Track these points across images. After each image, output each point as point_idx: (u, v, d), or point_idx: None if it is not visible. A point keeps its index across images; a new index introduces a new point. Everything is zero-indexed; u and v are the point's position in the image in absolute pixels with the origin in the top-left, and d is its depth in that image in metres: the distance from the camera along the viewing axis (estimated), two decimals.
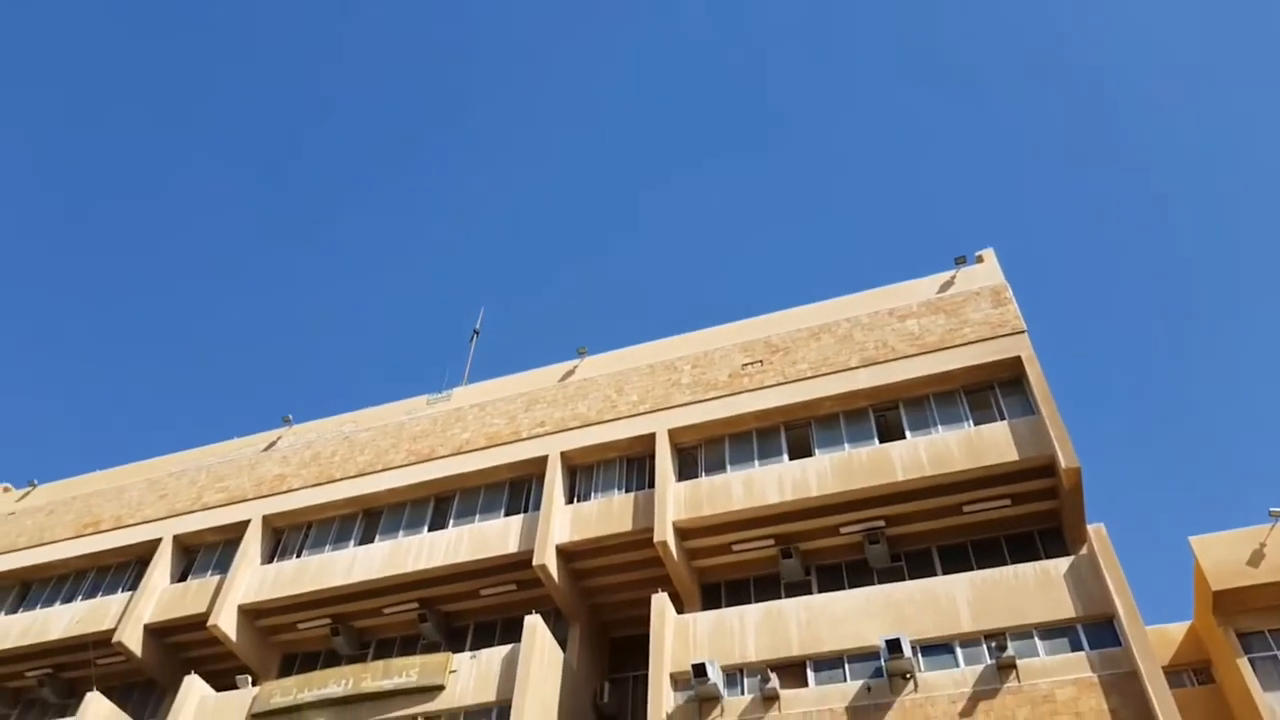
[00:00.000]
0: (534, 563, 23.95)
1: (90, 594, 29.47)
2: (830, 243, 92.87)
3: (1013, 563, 19.25)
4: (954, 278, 26.03)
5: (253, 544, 27.86)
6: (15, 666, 29.20)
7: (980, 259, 26.29)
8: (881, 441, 23.21)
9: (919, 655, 17.68)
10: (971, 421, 22.54)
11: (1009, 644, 17.08)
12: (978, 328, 24.00)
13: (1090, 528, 18.24)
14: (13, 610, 30.45)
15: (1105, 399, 77.05)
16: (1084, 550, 18.43)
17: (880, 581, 21.50)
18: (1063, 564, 18.28)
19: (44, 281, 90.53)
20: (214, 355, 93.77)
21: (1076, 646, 17.00)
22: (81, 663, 28.38)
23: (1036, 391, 21.76)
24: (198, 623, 26.61)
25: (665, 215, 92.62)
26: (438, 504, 27.34)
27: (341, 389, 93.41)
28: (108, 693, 25.57)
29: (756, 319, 27.79)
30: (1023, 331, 23.33)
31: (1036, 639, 17.34)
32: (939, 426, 22.75)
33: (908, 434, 22.96)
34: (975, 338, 23.73)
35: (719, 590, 24.60)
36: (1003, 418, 22.19)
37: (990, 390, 23.04)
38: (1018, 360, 22.76)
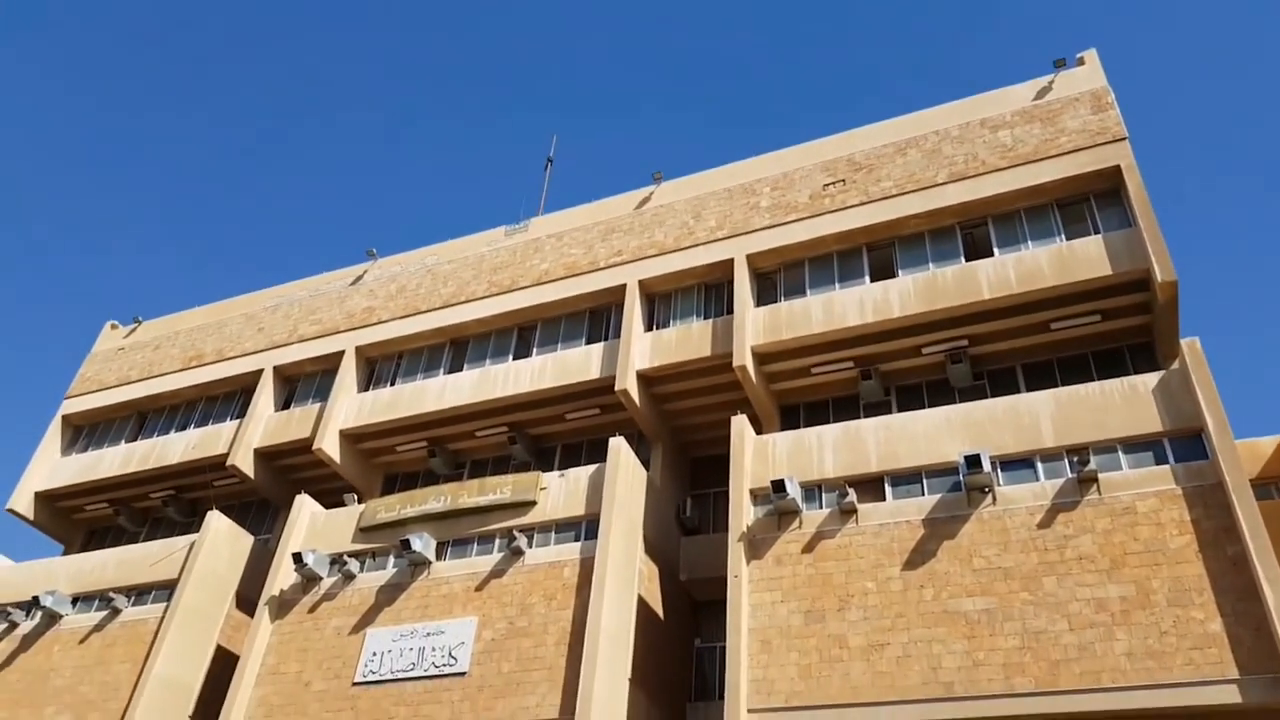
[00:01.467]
0: (616, 388, 24.89)
1: (202, 422, 31.92)
2: (921, 52, 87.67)
3: (1100, 379, 19.22)
4: (1052, 83, 24.64)
5: (348, 373, 29.53)
6: (142, 489, 32.22)
7: (1081, 61, 24.72)
8: (968, 260, 22.89)
9: (998, 470, 18.13)
10: (1064, 236, 21.97)
11: (1091, 458, 17.34)
12: (1075, 136, 22.93)
13: (1184, 342, 17.97)
14: (132, 438, 33.28)
15: (1202, 210, 73.29)
16: (1175, 365, 18.26)
17: (961, 401, 21.78)
18: (1152, 379, 18.19)
19: (146, 128, 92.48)
20: (295, 190, 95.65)
21: (1161, 460, 17.17)
22: (200, 485, 31.14)
23: (1135, 203, 20.97)
24: (303, 447, 28.74)
25: (745, 32, 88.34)
26: (521, 333, 28.31)
27: (421, 221, 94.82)
28: (226, 511, 28.14)
29: (839, 136, 27.00)
30: (1124, 139, 22.21)
31: (1120, 453, 17.55)
32: (1029, 242, 22.25)
33: (996, 251, 22.56)
34: (1072, 147, 22.72)
35: (797, 412, 25.29)
36: (1097, 231, 21.56)
37: (1085, 203, 22.28)
38: (1116, 170, 21.82)
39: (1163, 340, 20.61)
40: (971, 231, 23.46)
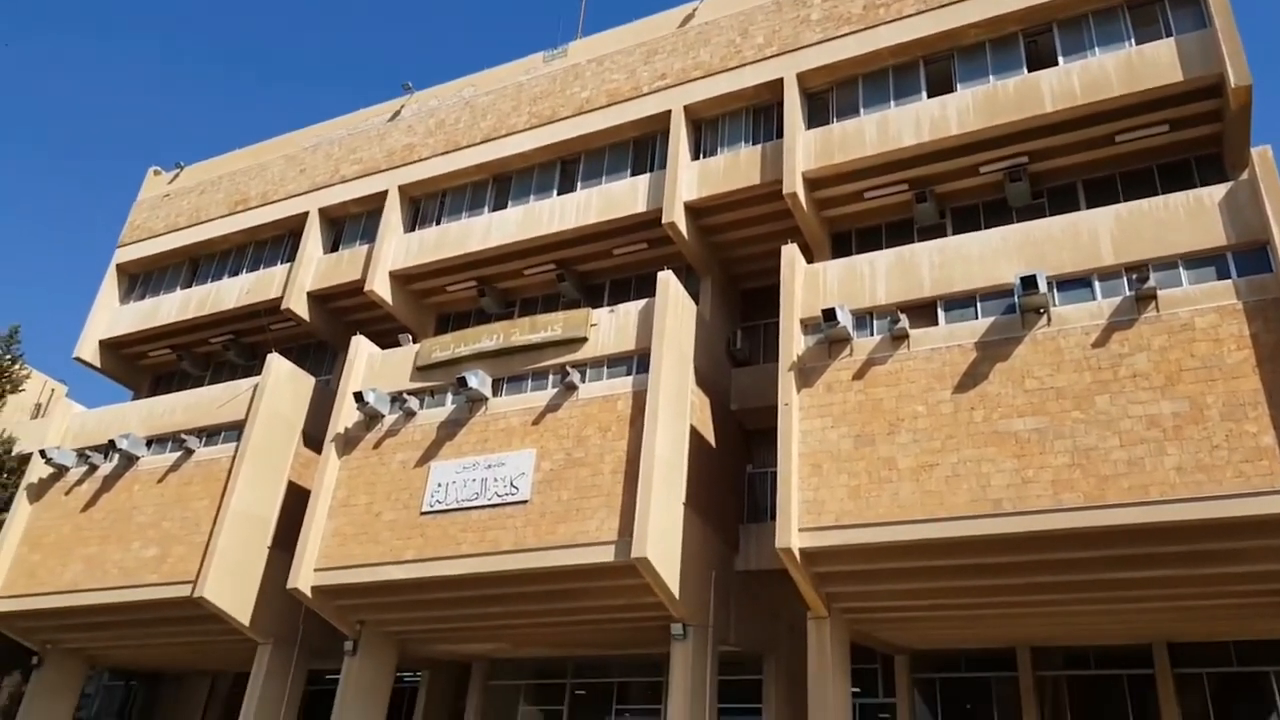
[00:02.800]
0: (663, 221, 25.04)
1: (253, 266, 32.94)
2: None
3: (1164, 194, 18.88)
4: None
5: (393, 213, 30.01)
6: (201, 334, 33.75)
7: None
8: (1031, 70, 22.13)
9: (1054, 290, 18.22)
10: (1133, 40, 21.04)
11: (1151, 275, 17.32)
12: None
13: (1254, 151, 17.45)
14: (187, 285, 34.55)
15: (1273, 12, 68.26)
16: (1244, 175, 17.85)
17: (1019, 220, 21.60)
18: (1219, 191, 17.84)
19: None
20: (327, 23, 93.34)
21: (1223, 274, 17.08)
22: (258, 329, 32.49)
23: (1213, 1, 19.91)
24: (355, 289, 29.66)
25: None
26: (564, 167, 28.31)
27: (457, 50, 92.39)
28: (285, 354, 29.43)
29: None
30: None
31: (1181, 269, 17.48)
32: (1095, 49, 21.38)
33: (1060, 60, 21.74)
34: None
35: (849, 239, 25.32)
36: (1169, 34, 20.60)
37: (1157, 3, 21.18)
38: None
39: (1232, 150, 20.04)
40: (1035, 40, 22.54)
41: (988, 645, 22.17)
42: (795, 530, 18.44)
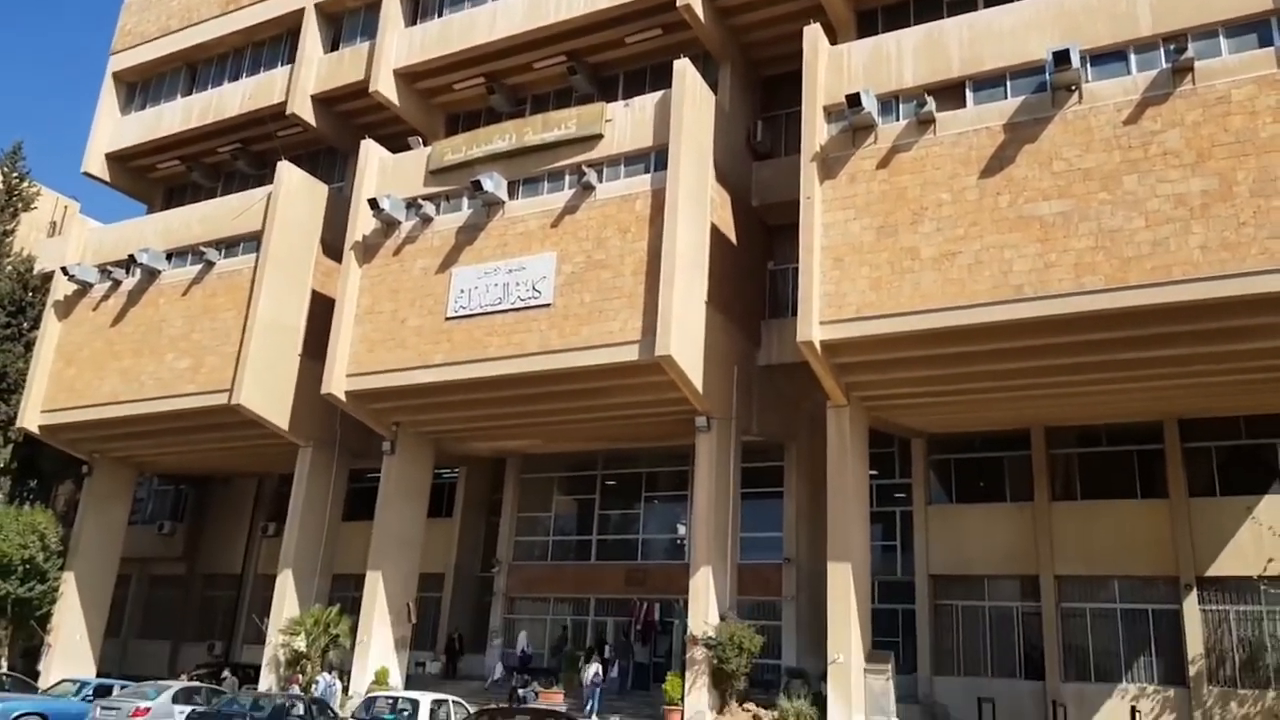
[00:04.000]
0: (678, 3, 24.13)
1: (253, 70, 32.27)
2: None
3: None
4: None
5: (392, 5, 28.99)
6: (208, 144, 33.57)
7: None
8: None
9: (1087, 65, 17.75)
10: None
11: (1189, 45, 16.81)
12: None
13: None
14: (187, 92, 34.00)
15: None
16: None
17: None
18: None
19: None
20: None
21: (1265, 42, 16.49)
22: (265, 136, 32.21)
23: None
24: (360, 90, 29.14)
25: None
26: None
27: None
28: (295, 161, 29.31)
29: None
30: None
31: (1221, 38, 16.89)
32: None
33: None
34: None
35: (875, 18, 24.42)
36: None
37: None
38: None
39: None
40: None
41: (1002, 427, 23.19)
42: (816, 323, 18.96)
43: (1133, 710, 20.48)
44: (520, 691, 22.67)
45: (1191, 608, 20.82)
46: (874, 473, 22.76)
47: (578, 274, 22.16)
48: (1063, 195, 17.38)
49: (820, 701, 19.09)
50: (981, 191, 18.19)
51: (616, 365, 21.15)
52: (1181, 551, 21.05)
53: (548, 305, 22.23)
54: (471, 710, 16.86)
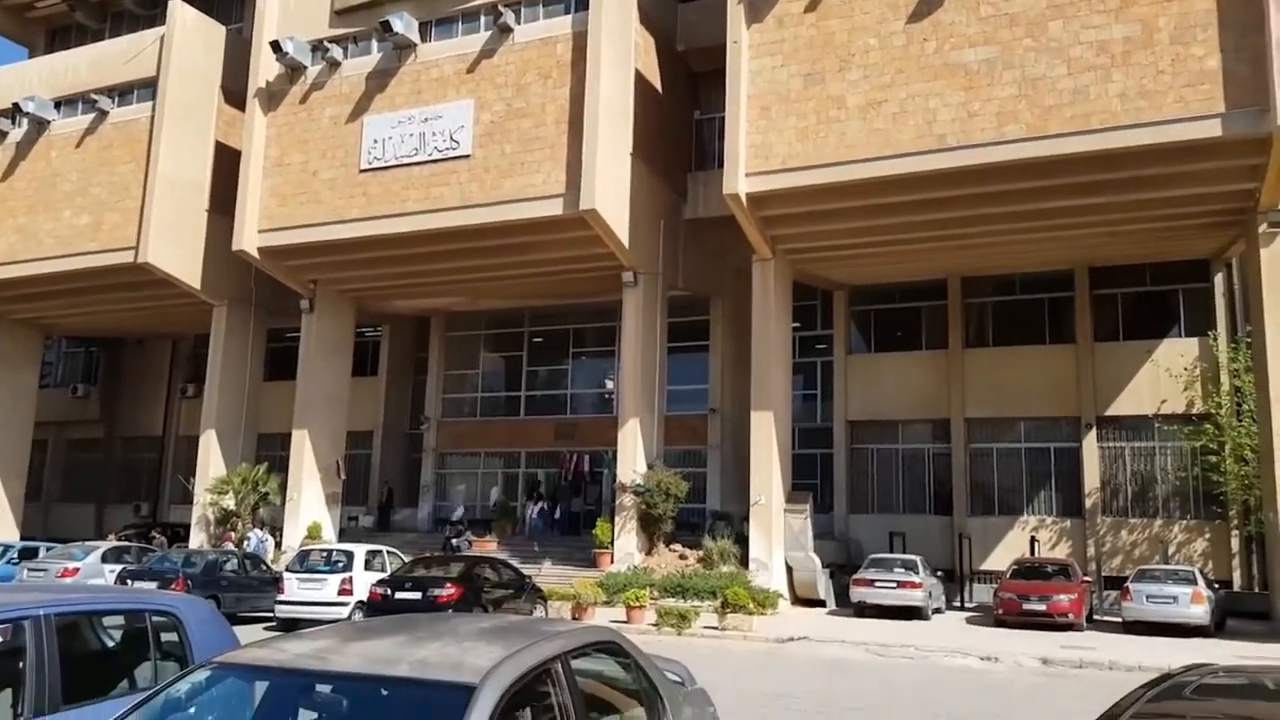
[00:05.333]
0: None
1: None
2: None
3: None
4: None
5: None
6: None
7: None
8: None
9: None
10: None
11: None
12: None
13: None
14: None
15: None
16: None
17: None
18: None
19: None
20: None
21: None
22: None
23: None
24: None
25: None
26: None
27: None
28: (190, 1, 27.18)
29: None
30: None
31: None
32: None
33: None
34: None
35: None
36: None
37: None
38: None
39: None
40: None
41: (921, 278, 23.71)
42: (743, 175, 18.82)
43: (1032, 540, 21.97)
44: (454, 541, 23.27)
45: (1090, 446, 22.14)
46: (797, 325, 23.24)
47: (498, 123, 21.46)
48: (989, 42, 17.24)
49: (742, 540, 20.04)
50: (909, 38, 17.92)
51: (541, 220, 20.82)
52: (1084, 393, 22.18)
53: (467, 156, 21.60)
54: (406, 560, 17.26)
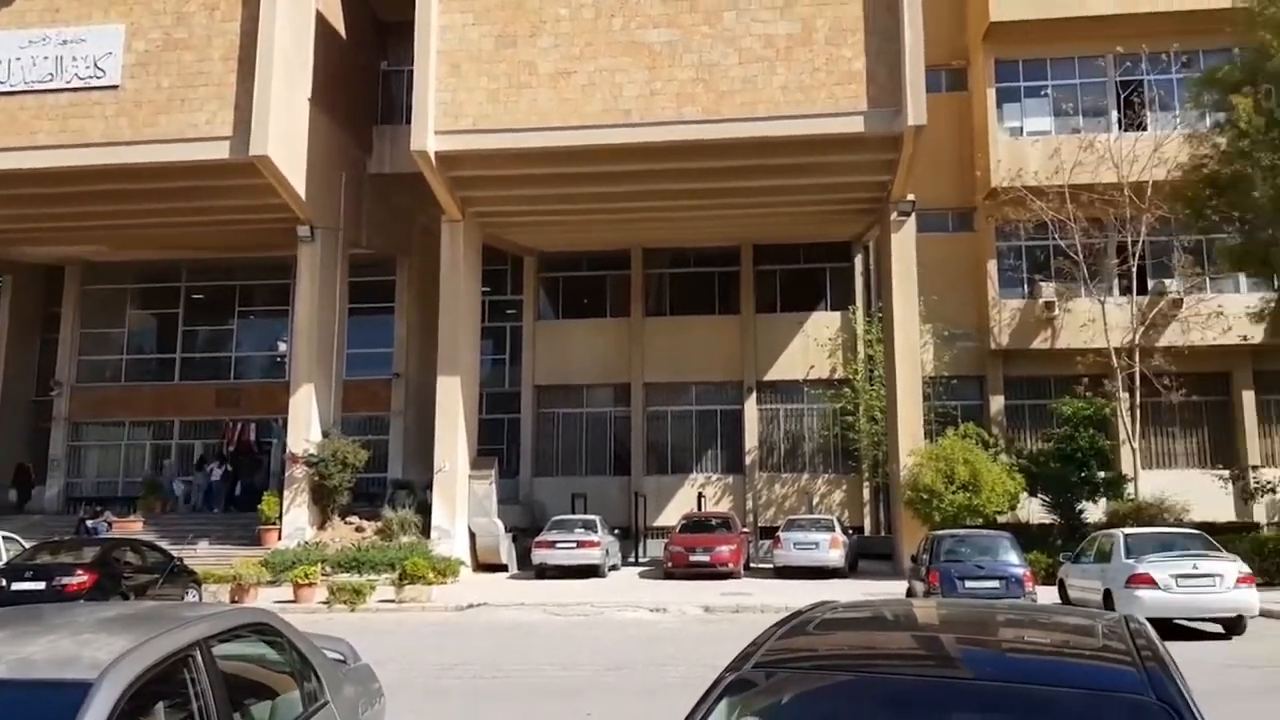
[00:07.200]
0: None
1: None
2: None
3: None
4: None
5: None
6: None
7: None
8: None
9: None
10: None
11: None
12: None
13: None
14: None
15: None
16: None
17: None
18: None
19: None
20: None
21: None
22: None
23: None
24: None
25: None
26: None
27: None
28: None
29: None
30: None
31: None
32: None
33: None
34: None
35: None
36: None
37: None
38: None
39: None
40: None
41: (607, 247, 24.54)
42: (432, 132, 18.36)
43: (699, 496, 23.66)
44: (90, 523, 20.79)
45: (751, 408, 24.18)
46: (487, 289, 23.16)
47: (154, 54, 19.26)
48: (671, 24, 18.05)
49: (425, 509, 19.73)
50: (598, 11, 18.31)
51: (204, 164, 19.02)
52: (747, 360, 24.16)
53: (115, 88, 19.22)
54: (28, 545, 15.04)
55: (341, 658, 4.34)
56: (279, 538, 19.51)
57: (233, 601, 14.39)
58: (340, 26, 21.35)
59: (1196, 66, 19.82)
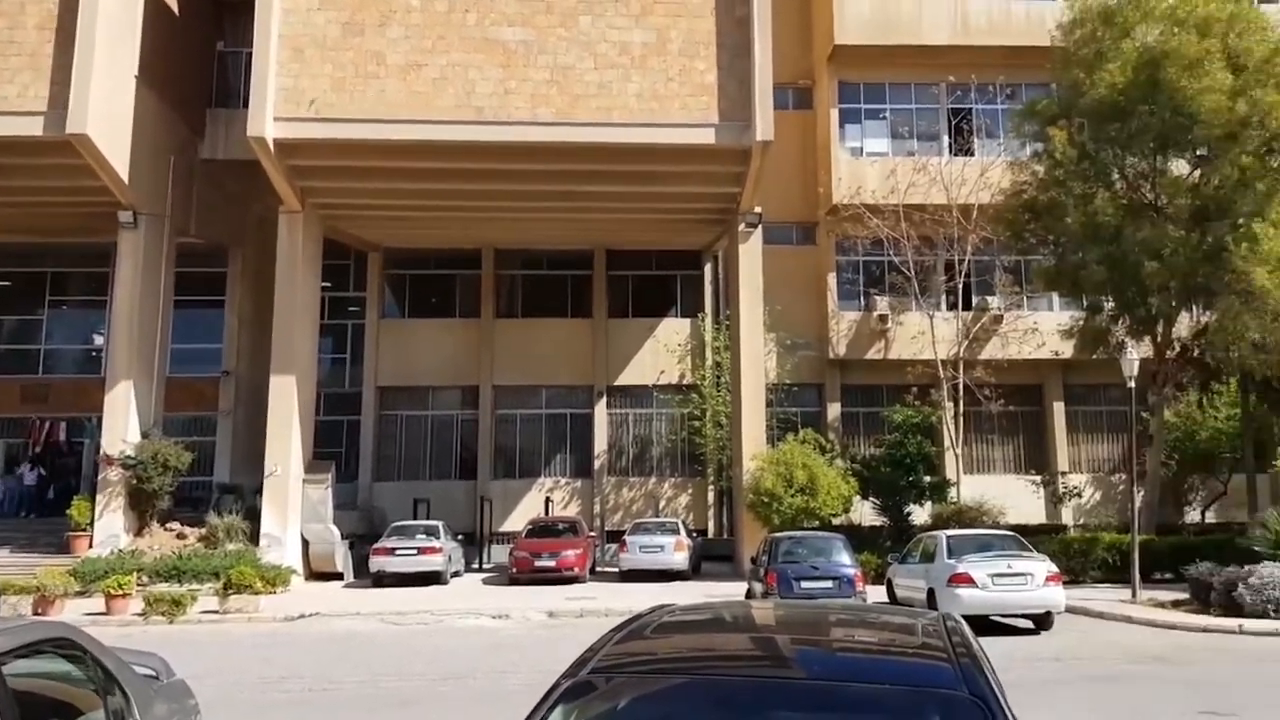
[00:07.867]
0: None
1: None
2: None
3: None
4: None
5: None
6: None
7: None
8: None
9: None
10: None
11: None
12: None
13: None
14: None
15: None
16: None
17: None
18: None
19: None
20: None
21: None
22: None
23: None
24: None
25: None
26: None
27: None
28: None
29: None
30: None
31: None
32: None
33: None
34: None
35: None
36: None
37: None
38: None
39: None
40: None
41: (457, 246, 24.12)
42: (271, 118, 17.57)
43: (547, 500, 23.55)
44: None
45: (601, 412, 24.30)
46: (327, 284, 22.33)
47: None
48: (526, 24, 17.95)
49: (255, 515, 18.81)
50: (451, 5, 18.02)
51: (13, 140, 17.52)
52: (598, 364, 24.26)
53: None
54: None
55: (154, 673, 4.08)
56: (90, 545, 18.15)
57: (35, 614, 13.31)
58: (173, 1, 20.15)
59: (1020, 98, 21.29)
